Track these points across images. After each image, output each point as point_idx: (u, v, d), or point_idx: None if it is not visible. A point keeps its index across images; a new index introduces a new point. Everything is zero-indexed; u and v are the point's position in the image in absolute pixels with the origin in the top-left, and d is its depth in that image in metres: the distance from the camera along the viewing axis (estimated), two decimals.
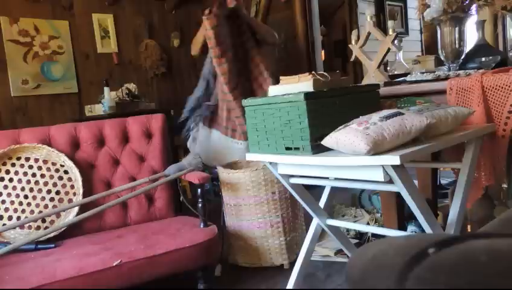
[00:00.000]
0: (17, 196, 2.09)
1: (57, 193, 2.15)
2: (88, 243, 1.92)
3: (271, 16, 4.30)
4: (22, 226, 2.02)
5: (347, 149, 1.21)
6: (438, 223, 1.38)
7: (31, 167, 2.14)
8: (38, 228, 2.07)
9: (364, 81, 2.03)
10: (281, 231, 2.25)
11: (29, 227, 2.06)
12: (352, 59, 2.14)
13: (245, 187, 2.23)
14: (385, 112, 1.28)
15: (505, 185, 1.91)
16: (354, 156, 1.21)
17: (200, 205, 2.00)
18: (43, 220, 2.08)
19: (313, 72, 1.63)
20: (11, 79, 3.64)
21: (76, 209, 2.09)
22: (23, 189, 2.11)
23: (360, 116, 1.29)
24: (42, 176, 2.15)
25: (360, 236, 2.45)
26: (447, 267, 0.46)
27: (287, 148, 1.40)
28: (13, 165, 2.13)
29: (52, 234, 1.95)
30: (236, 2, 2.65)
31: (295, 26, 4.08)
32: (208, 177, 2.08)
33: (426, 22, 1.87)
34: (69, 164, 2.19)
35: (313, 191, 1.69)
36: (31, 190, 2.12)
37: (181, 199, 2.29)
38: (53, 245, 1.92)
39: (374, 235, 2.38)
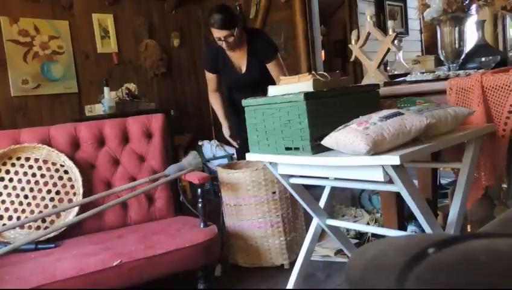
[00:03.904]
0: (17, 196, 2.09)
1: (57, 193, 2.15)
2: (88, 243, 1.92)
3: (271, 16, 4.30)
4: (22, 226, 2.02)
5: (347, 149, 1.21)
6: (438, 223, 1.38)
7: (31, 167, 2.14)
8: (38, 228, 2.07)
9: (364, 81, 2.03)
10: (281, 231, 2.25)
11: (29, 227, 2.06)
12: (352, 59, 2.14)
13: (245, 187, 2.23)
14: (385, 112, 1.28)
15: (505, 185, 1.91)
16: (354, 156, 1.21)
17: (200, 205, 2.00)
18: (43, 220, 2.08)
19: (313, 72, 1.63)
20: (11, 79, 3.64)
21: (76, 209, 2.09)
22: (23, 189, 2.11)
23: (360, 116, 1.29)
24: (42, 176, 2.15)
25: (360, 236, 2.45)
26: (447, 267, 0.46)
27: (287, 148, 1.40)
28: (13, 165, 2.13)
29: (52, 234, 1.95)
30: None
31: (295, 26, 4.08)
32: (208, 177, 2.08)
33: (426, 22, 1.87)
34: (69, 164, 2.19)
35: (313, 191, 1.69)
36: (31, 190, 2.12)
37: (181, 199, 2.29)
38: (53, 245, 1.92)
39: (374, 235, 2.38)
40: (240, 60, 2.66)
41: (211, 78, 2.77)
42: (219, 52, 2.65)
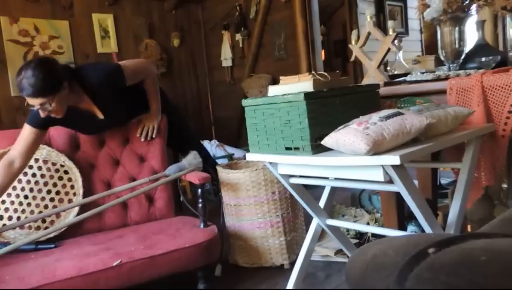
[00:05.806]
0: (17, 196, 2.09)
1: (57, 193, 2.15)
2: (88, 243, 1.92)
3: (271, 16, 4.30)
4: (22, 226, 2.02)
5: (347, 149, 1.21)
6: (438, 223, 1.38)
7: (31, 167, 2.14)
8: (38, 228, 2.07)
9: (364, 81, 2.03)
10: (281, 231, 2.25)
11: (29, 227, 2.06)
12: (352, 59, 2.14)
13: (245, 187, 2.23)
14: (385, 112, 1.28)
15: (505, 185, 1.91)
16: (354, 156, 1.21)
17: (200, 205, 2.00)
18: (43, 220, 2.08)
19: (313, 72, 1.63)
20: (11, 79, 3.64)
21: (76, 209, 2.09)
22: (23, 189, 2.11)
23: (360, 116, 1.29)
24: (42, 176, 2.15)
25: (360, 236, 2.45)
26: (446, 267, 0.46)
27: (287, 148, 1.40)
28: None
29: (52, 234, 1.95)
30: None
31: (295, 26, 4.08)
32: (208, 177, 2.08)
33: (426, 22, 1.87)
34: (69, 164, 2.19)
35: (313, 191, 1.69)
36: (31, 190, 2.12)
37: (181, 199, 2.28)
38: (53, 245, 1.92)
39: (374, 235, 2.38)
40: (90, 108, 2.08)
41: (26, 136, 1.96)
42: None
